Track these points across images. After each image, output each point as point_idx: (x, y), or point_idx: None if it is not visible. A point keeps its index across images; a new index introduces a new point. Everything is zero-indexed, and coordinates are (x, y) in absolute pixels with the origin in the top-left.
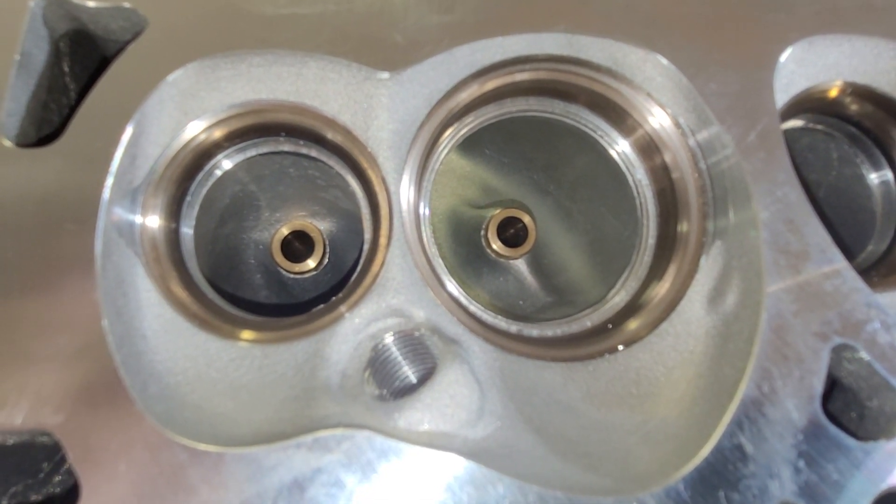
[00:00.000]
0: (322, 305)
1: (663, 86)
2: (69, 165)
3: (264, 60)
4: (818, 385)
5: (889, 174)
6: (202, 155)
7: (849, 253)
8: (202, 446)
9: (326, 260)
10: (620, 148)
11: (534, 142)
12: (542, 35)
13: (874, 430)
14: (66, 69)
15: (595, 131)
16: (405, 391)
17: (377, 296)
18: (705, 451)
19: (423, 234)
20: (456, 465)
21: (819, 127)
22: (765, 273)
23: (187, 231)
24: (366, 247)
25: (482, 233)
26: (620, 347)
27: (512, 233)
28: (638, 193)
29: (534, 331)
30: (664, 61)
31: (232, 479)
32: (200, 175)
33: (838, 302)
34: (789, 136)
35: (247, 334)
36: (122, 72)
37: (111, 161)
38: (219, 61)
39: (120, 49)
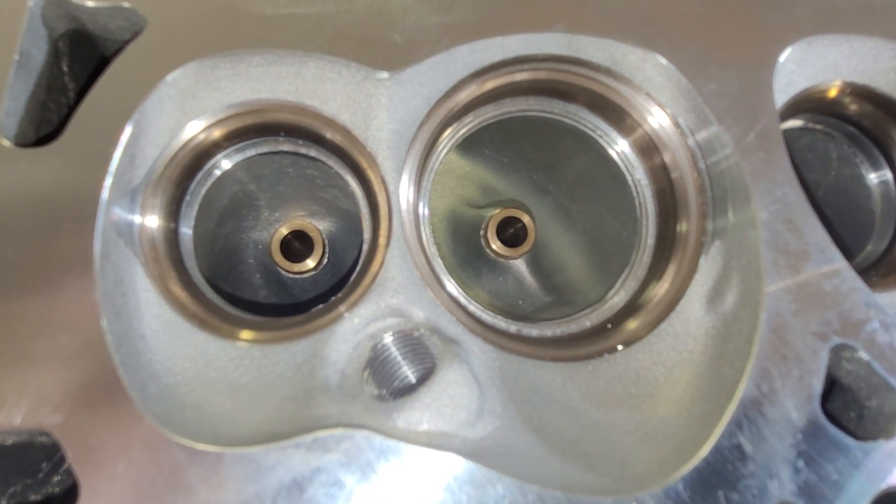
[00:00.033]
0: (321, 305)
1: (662, 86)
2: (68, 165)
3: (263, 60)
4: (817, 385)
5: (888, 174)
6: (201, 155)
7: (848, 253)
8: (201, 446)
9: (326, 260)
10: (620, 148)
11: (533, 142)
12: (542, 35)
13: (873, 429)
14: (65, 69)
15: (594, 131)
16: (404, 391)
17: (376, 296)
18: (704, 450)
19: (423, 234)
20: (455, 465)
21: (818, 127)
22: (764, 273)
23: (186, 231)
24: (365, 247)
25: (481, 233)
26: (620, 347)
27: (511, 233)
28: (637, 193)
29: (533, 331)
30: (663, 61)
31: (231, 479)
32: (199, 175)
33: (837, 302)
34: (789, 136)
35: (246, 334)
36: (121, 71)
37: (110, 161)
38: (218, 61)
39: (119, 49)
